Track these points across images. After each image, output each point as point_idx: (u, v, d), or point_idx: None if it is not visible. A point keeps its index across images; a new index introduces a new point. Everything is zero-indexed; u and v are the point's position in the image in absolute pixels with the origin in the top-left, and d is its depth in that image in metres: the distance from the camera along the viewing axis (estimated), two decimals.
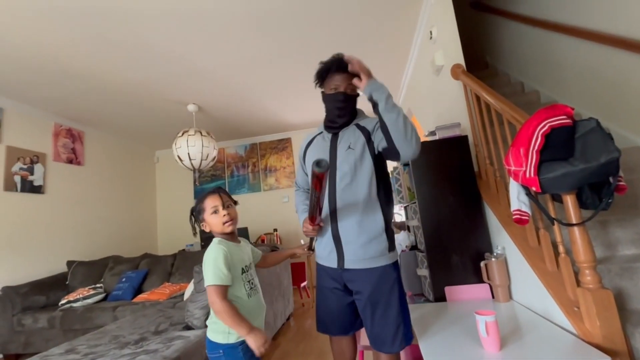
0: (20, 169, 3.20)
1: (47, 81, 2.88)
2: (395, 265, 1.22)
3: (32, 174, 3.31)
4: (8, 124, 3.15)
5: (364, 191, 1.18)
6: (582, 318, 1.02)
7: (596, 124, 0.98)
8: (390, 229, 1.23)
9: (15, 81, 2.83)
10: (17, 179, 3.16)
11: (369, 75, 1.11)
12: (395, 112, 1.07)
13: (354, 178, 1.19)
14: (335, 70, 1.20)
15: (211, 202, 1.13)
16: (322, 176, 0.96)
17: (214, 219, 1.12)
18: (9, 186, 3.08)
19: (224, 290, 1.02)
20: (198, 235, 1.23)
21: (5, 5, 1.97)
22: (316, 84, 1.29)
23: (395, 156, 1.13)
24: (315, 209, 1.12)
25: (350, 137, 1.23)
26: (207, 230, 1.13)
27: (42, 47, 2.40)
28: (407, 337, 1.18)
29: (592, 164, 0.93)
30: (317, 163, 0.93)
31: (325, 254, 1.27)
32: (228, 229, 1.12)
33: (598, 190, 1.02)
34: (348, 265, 1.20)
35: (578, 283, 1.07)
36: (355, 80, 1.12)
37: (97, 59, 2.62)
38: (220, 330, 1.05)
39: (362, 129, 1.24)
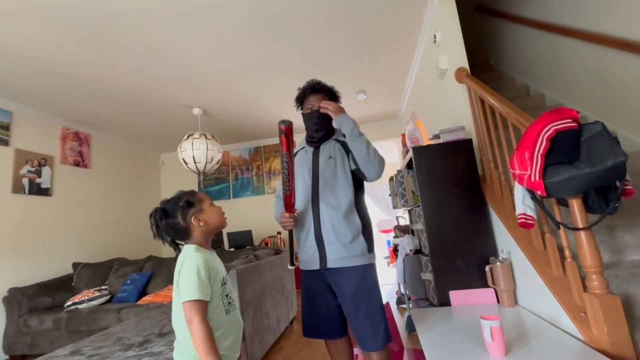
0: (28, 171, 3.25)
1: (55, 85, 2.93)
2: (372, 266, 1.32)
3: (39, 176, 3.35)
4: (17, 127, 3.20)
5: (344, 196, 1.29)
6: (589, 324, 1.01)
7: (602, 128, 0.97)
8: (367, 232, 1.32)
9: (25, 85, 2.88)
10: (25, 181, 3.20)
11: (339, 111, 1.32)
12: (359, 140, 1.28)
13: (335, 183, 1.31)
14: (310, 92, 1.41)
15: (205, 196, 1.08)
16: (289, 130, 1.15)
17: (216, 210, 1.06)
18: (17, 189, 3.12)
19: (205, 307, 0.89)
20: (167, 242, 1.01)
21: (15, 11, 2.01)
22: (297, 107, 1.49)
23: (362, 176, 1.34)
24: (288, 182, 1.22)
25: (331, 149, 1.38)
26: (201, 224, 1.00)
27: (50, 51, 2.44)
28: (387, 334, 1.25)
29: (598, 168, 0.92)
30: (282, 121, 1.13)
31: (307, 257, 1.34)
32: (226, 224, 1.09)
33: (604, 195, 1.01)
34: (330, 264, 1.27)
35: (585, 288, 1.06)
36: (323, 105, 1.33)
37: (105, 63, 2.66)
38: (190, 355, 0.90)
39: (342, 143, 1.40)
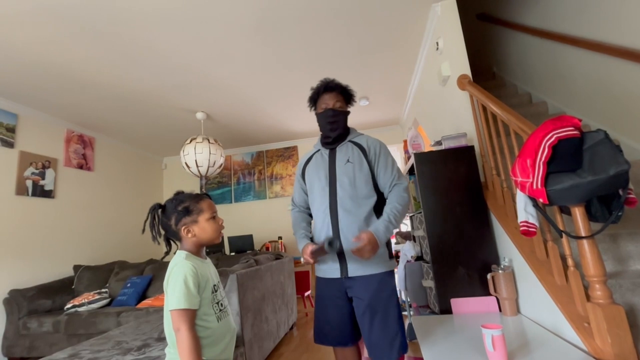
0: (32, 173, 3.27)
1: (60, 88, 2.96)
2: (392, 273, 1.28)
3: (43, 178, 3.37)
4: (22, 129, 3.23)
5: (364, 202, 1.25)
6: (593, 334, 0.99)
7: (604, 136, 0.97)
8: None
9: (30, 88, 2.92)
10: (29, 183, 3.22)
11: (374, 250, 1.16)
12: (396, 228, 1.24)
13: (353, 189, 1.26)
14: (323, 91, 1.36)
15: (210, 207, 1.03)
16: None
17: (212, 225, 1.01)
18: (21, 190, 3.14)
19: (192, 316, 0.89)
20: (162, 242, 1.01)
21: (23, 15, 2.04)
22: (310, 108, 1.43)
23: None
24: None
25: (348, 152, 1.34)
26: (190, 235, 0.98)
27: (56, 56, 2.47)
28: (403, 345, 1.20)
29: (601, 176, 0.92)
30: (330, 243, 1.09)
31: (325, 266, 1.30)
32: (219, 240, 1.04)
33: (607, 203, 1.00)
34: (352, 273, 1.23)
35: (588, 298, 1.05)
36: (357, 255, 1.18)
37: (110, 67, 2.69)
38: None
39: (359, 146, 1.34)
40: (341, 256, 1.25)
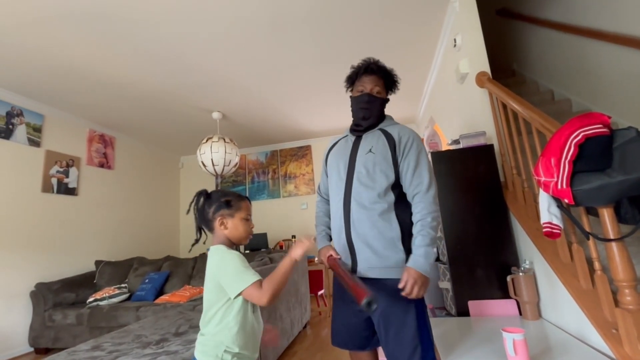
0: (57, 171, 3.40)
1: (84, 90, 3.07)
2: None
3: (67, 176, 3.51)
4: (48, 129, 3.37)
5: (380, 196, 1.12)
6: (622, 341, 0.95)
7: (637, 134, 0.92)
8: (409, 241, 1.11)
9: (56, 90, 3.04)
10: (54, 181, 3.36)
11: (424, 285, 1.04)
12: (434, 247, 1.08)
13: (371, 182, 1.14)
14: (363, 72, 1.22)
15: (247, 209, 1.07)
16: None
17: (244, 225, 1.05)
18: (47, 188, 3.27)
19: (261, 284, 0.93)
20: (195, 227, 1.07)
21: (48, 20, 2.12)
22: (347, 88, 1.30)
23: None
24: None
25: (373, 140, 1.20)
26: (223, 229, 1.02)
27: (79, 58, 2.56)
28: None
29: (633, 176, 0.87)
30: (369, 304, 0.87)
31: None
32: (246, 241, 1.07)
33: (639, 204, 0.95)
34: (361, 273, 1.12)
35: (616, 303, 1.00)
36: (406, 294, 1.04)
37: (130, 69, 2.77)
38: (212, 353, 0.92)
39: (388, 136, 1.19)
40: (352, 250, 1.14)
